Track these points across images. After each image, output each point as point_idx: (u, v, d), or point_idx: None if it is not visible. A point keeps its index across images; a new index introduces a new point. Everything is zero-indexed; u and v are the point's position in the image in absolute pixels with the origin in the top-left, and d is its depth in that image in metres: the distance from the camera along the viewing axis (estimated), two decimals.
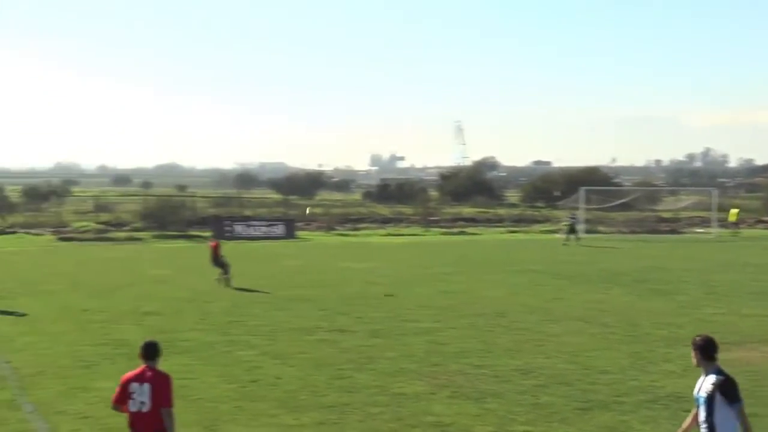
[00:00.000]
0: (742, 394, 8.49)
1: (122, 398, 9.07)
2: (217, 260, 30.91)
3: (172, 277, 32.90)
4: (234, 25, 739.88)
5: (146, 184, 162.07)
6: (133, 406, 8.89)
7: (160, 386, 8.91)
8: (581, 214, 61.15)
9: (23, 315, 23.62)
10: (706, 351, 8.59)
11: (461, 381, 16.09)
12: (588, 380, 16.18)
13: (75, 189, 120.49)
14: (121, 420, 13.17)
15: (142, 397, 8.85)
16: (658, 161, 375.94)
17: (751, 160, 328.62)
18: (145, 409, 8.82)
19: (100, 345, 19.37)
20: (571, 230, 52.71)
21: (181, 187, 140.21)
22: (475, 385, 15.75)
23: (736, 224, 63.54)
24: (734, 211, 64.51)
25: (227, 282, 29.83)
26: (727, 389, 8.39)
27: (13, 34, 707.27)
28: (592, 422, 13.36)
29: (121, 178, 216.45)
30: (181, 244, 50.99)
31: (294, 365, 17.44)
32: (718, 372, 8.53)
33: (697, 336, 8.83)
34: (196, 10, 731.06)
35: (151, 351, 9.18)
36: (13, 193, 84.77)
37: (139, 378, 8.96)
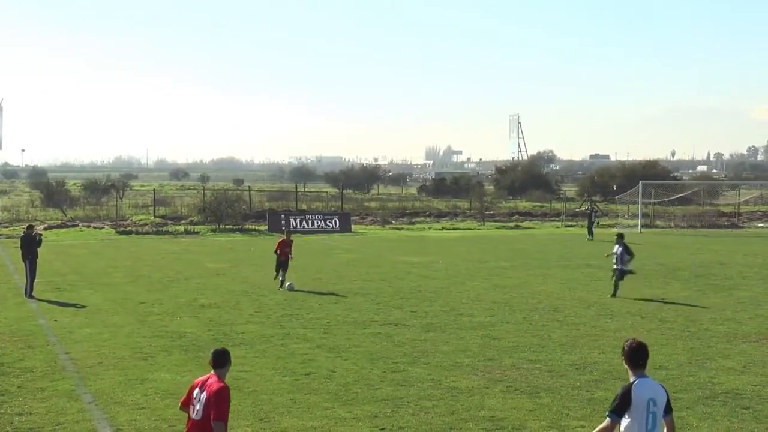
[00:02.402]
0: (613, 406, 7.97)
1: (187, 401, 8.93)
2: (284, 258, 28.38)
3: (229, 270, 33.19)
4: (290, 23, 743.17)
5: (204, 178, 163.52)
6: (191, 412, 8.75)
7: (214, 397, 8.56)
8: (637, 209, 60.50)
9: (83, 307, 24.00)
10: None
11: (515, 375, 16.02)
12: None
13: (134, 183, 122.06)
14: (177, 411, 13.32)
15: (198, 404, 8.65)
16: (719, 155, 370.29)
17: None
18: (197, 416, 8.64)
19: (158, 337, 19.62)
20: (590, 222, 51.76)
21: (238, 181, 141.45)
22: (530, 380, 15.67)
23: None
24: None
25: (282, 280, 28.02)
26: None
27: (71, 32, 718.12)
28: None
29: (179, 173, 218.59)
30: (238, 237, 51.40)
31: (348, 358, 17.50)
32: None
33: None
34: (252, 7, 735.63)
35: (216, 359, 8.89)
36: (74, 187, 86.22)
37: (202, 384, 8.78)
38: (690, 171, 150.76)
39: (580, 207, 71.46)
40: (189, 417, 8.79)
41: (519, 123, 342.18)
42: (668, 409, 8.02)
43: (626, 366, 8.10)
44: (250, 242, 47.94)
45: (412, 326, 21.15)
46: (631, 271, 26.77)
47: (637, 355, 8.04)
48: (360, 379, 15.71)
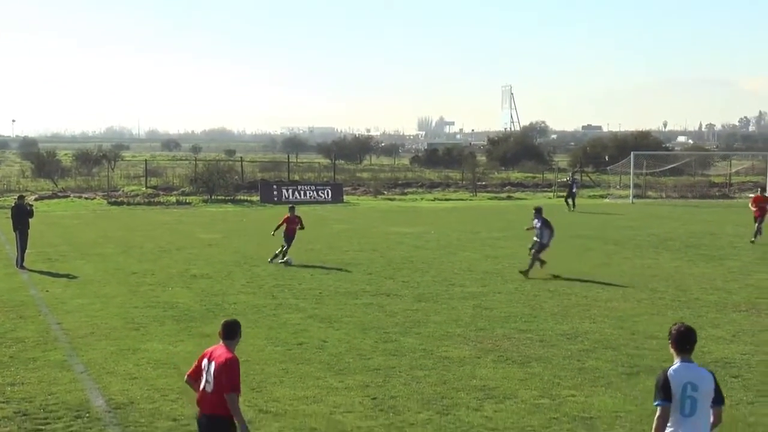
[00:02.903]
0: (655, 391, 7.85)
1: (195, 373, 8.84)
2: (290, 233, 27.36)
3: (221, 240, 33.18)
4: None
5: (195, 149, 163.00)
6: (202, 384, 8.66)
7: (223, 368, 8.47)
8: (629, 179, 60.53)
9: (75, 277, 23.99)
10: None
11: (507, 345, 16.09)
12: (634, 345, 16.10)
13: (125, 154, 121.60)
14: (169, 380, 13.42)
15: (207, 375, 8.57)
16: (710, 125, 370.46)
17: None
18: (209, 388, 8.53)
19: (150, 307, 19.64)
20: (570, 193, 51.09)
21: (230, 152, 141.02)
22: (521, 350, 15.74)
23: None
24: None
25: (273, 259, 27.02)
26: None
27: (63, 3, 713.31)
28: (638, 387, 13.30)
29: (171, 143, 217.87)
30: (230, 208, 51.35)
31: (340, 328, 17.55)
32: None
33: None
34: None
35: (226, 330, 8.76)
36: (65, 158, 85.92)
37: (210, 356, 8.68)
38: (670, 143, 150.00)
39: (559, 178, 71.05)
40: (199, 389, 8.71)
41: (512, 94, 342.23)
42: (718, 399, 7.82)
43: (671, 350, 7.97)
44: (242, 213, 47.93)
45: (404, 296, 21.20)
46: (546, 246, 24.77)
47: (683, 340, 7.92)
48: (352, 349, 15.77)
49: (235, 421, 8.51)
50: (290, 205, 29.63)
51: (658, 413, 7.83)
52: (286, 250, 27.13)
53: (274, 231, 27.72)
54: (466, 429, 11.41)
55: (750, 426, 11.59)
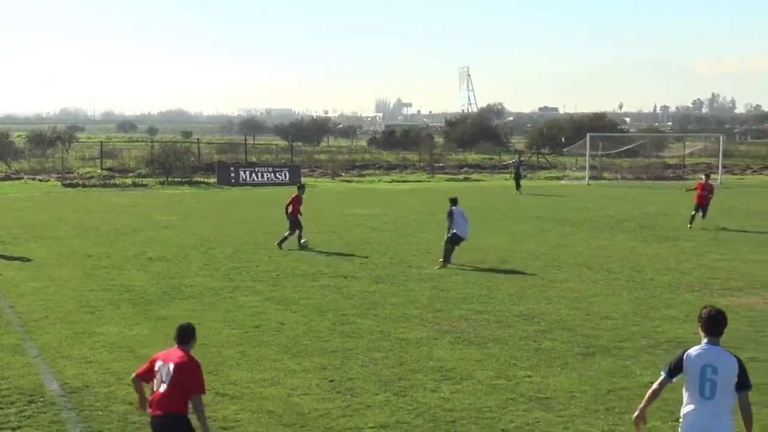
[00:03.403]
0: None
1: (145, 374, 8.98)
2: (295, 216, 26.84)
3: (177, 223, 32.96)
4: None
5: (152, 131, 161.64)
6: (155, 386, 8.79)
7: (187, 370, 8.70)
8: (585, 161, 60.93)
9: (28, 260, 23.70)
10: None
11: (464, 326, 16.17)
12: (590, 326, 16.25)
13: (80, 135, 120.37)
14: (125, 364, 13.32)
15: (164, 377, 8.69)
16: (665, 107, 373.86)
17: (759, 106, 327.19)
18: (162, 389, 8.68)
19: (105, 290, 19.47)
20: (517, 175, 50.47)
21: (187, 134, 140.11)
22: (478, 331, 15.83)
23: None
24: None
25: (284, 240, 26.32)
26: None
27: None
28: (594, 367, 13.44)
29: (127, 125, 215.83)
30: (186, 190, 51.01)
31: (297, 311, 17.53)
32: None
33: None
34: None
35: (182, 334, 8.93)
36: (19, 139, 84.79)
37: (166, 358, 8.81)
38: (637, 123, 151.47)
39: (503, 160, 71.26)
40: (153, 390, 8.81)
41: (469, 75, 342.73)
42: (742, 384, 7.73)
43: (701, 332, 7.96)
44: (199, 195, 47.65)
45: (362, 278, 21.21)
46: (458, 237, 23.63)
47: (713, 324, 7.89)
48: (309, 331, 15.76)
49: (200, 422, 8.78)
50: (300, 184, 28.96)
51: (657, 381, 8.06)
52: (300, 233, 26.60)
53: (286, 211, 27.05)
54: (423, 410, 11.46)
55: None
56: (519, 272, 22.02)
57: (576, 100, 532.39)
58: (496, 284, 20.42)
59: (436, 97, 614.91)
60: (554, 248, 26.38)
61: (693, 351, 7.82)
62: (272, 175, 56.96)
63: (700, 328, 7.96)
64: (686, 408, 7.84)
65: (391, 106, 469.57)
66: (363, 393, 12.17)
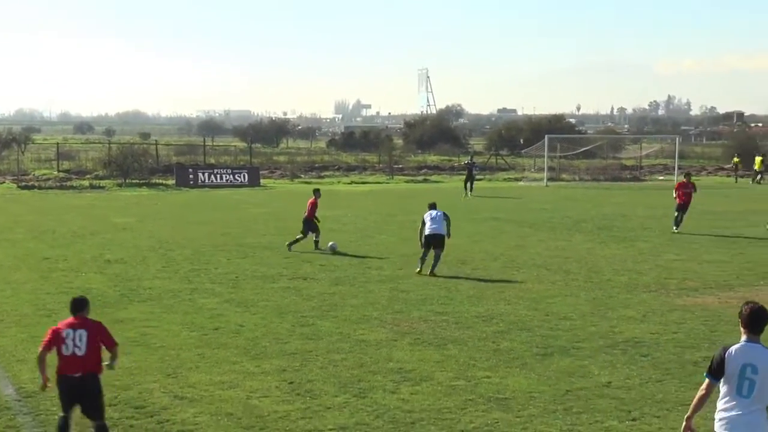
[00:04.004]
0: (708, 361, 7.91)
1: (50, 344, 10.01)
2: (311, 219, 26.68)
3: (135, 225, 32.71)
4: None
5: (109, 132, 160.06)
6: (66, 351, 9.83)
7: (102, 331, 10.18)
8: (542, 162, 61.30)
9: None
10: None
11: (423, 328, 16.22)
12: (548, 326, 16.37)
13: (36, 137, 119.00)
14: None
15: (77, 342, 9.84)
16: (622, 109, 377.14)
17: (714, 108, 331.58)
18: (80, 353, 9.81)
19: (62, 293, 19.23)
20: (469, 177, 49.35)
21: (145, 135, 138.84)
22: (437, 332, 15.88)
23: (760, 172, 61.35)
24: (759, 159, 63.10)
25: (291, 244, 26.19)
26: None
27: None
28: (552, 367, 13.54)
29: (84, 126, 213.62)
30: (144, 192, 50.65)
31: (257, 313, 17.49)
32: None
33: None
34: None
35: (78, 305, 10.31)
36: None
37: (72, 325, 10.01)
38: (580, 128, 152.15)
39: (461, 161, 71.29)
40: (62, 356, 9.88)
41: (428, 77, 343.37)
42: None
43: (741, 328, 7.74)
44: (158, 197, 47.33)
45: (321, 280, 21.20)
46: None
47: (754, 320, 7.66)
48: (268, 333, 15.73)
49: (111, 362, 10.31)
50: (315, 188, 28.43)
51: (703, 385, 7.86)
52: (317, 236, 26.41)
53: (311, 220, 26.72)
54: (383, 411, 11.48)
55: (658, 403, 11.88)
56: (478, 273, 22.11)
57: (534, 102, 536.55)
58: (455, 285, 20.49)
59: (395, 98, 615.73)
60: (513, 249, 26.52)
61: (733, 349, 7.64)
62: (231, 176, 56.70)
63: (741, 324, 7.76)
64: (722, 405, 7.70)
65: (351, 107, 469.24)
66: (322, 395, 12.18)
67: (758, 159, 62.43)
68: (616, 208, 40.47)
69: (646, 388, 12.52)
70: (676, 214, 31.30)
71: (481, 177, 63.37)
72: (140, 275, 21.77)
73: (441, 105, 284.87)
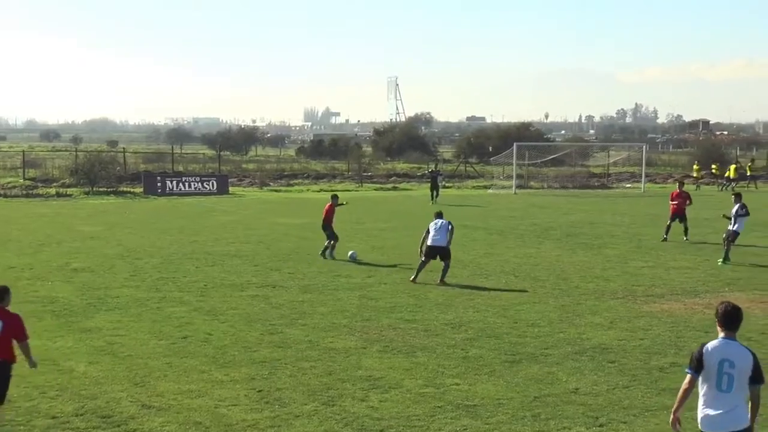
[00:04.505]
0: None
1: None
2: (329, 226, 26.70)
3: (103, 233, 32.50)
4: None
5: (76, 140, 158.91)
6: None
7: (17, 323, 10.73)
8: (510, 170, 61.54)
9: None
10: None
11: (392, 335, 16.22)
12: (517, 333, 16.43)
13: (1, 144, 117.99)
14: (48, 377, 13.11)
15: None
16: (590, 117, 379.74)
17: (680, 116, 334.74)
18: None
19: (28, 302, 19.04)
20: (434, 185, 49.95)
21: (113, 143, 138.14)
22: (406, 340, 15.89)
23: (734, 180, 61.15)
24: (733, 167, 63.56)
25: (330, 252, 26.26)
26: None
27: None
28: (520, 374, 13.59)
29: (50, 134, 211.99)
30: (112, 200, 50.36)
31: (225, 321, 17.43)
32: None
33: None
34: None
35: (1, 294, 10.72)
36: None
37: None
38: (549, 136, 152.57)
39: (421, 170, 71.27)
40: None
41: (397, 85, 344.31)
42: (756, 379, 8.03)
43: (717, 327, 8.19)
44: (125, 205, 47.06)
45: (290, 288, 21.16)
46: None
47: (729, 319, 8.11)
48: (237, 342, 15.67)
49: (29, 360, 11.04)
50: (333, 194, 27.87)
51: (685, 380, 8.24)
52: (334, 243, 26.30)
53: (329, 225, 26.66)
54: (352, 419, 11.47)
55: (625, 409, 11.95)
56: (447, 281, 22.14)
57: (503, 110, 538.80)
58: (424, 293, 20.53)
59: (364, 106, 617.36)
60: (482, 257, 26.61)
61: (710, 345, 8.06)
62: (200, 184, 56.50)
63: (717, 323, 8.20)
64: (704, 402, 8.07)
65: (320, 115, 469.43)
66: (291, 403, 12.15)
67: (732, 167, 63.08)
68: (584, 216, 40.71)
69: (614, 394, 12.60)
70: (668, 222, 31.10)
71: (450, 185, 63.65)
72: (108, 284, 21.62)
73: (410, 113, 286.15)
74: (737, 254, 25.87)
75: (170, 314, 18.07)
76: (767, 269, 24.15)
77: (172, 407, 11.95)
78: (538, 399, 12.34)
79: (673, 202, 31.21)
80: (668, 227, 30.94)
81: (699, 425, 8.14)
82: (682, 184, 33.02)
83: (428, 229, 22.52)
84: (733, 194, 26.08)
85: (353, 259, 25.44)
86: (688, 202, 31.24)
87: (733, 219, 25.79)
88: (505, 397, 12.41)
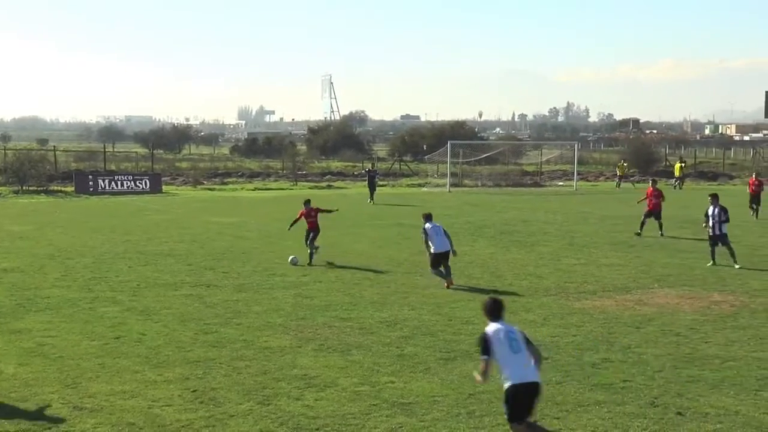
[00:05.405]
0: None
1: None
2: (312, 227, 25.69)
3: (33, 233, 31.97)
4: None
5: (4, 138, 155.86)
6: None
7: None
8: (445, 168, 61.86)
9: None
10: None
11: (327, 334, 16.22)
12: (451, 331, 16.53)
13: None
14: None
15: None
16: (523, 116, 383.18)
17: (611, 115, 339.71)
18: None
19: None
20: (371, 185, 49.43)
21: (43, 141, 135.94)
22: (341, 338, 15.90)
23: (681, 179, 62.25)
24: (678, 165, 64.16)
25: (310, 256, 25.07)
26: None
27: None
28: (455, 371, 13.68)
29: None
30: (42, 199, 49.56)
31: (159, 321, 17.27)
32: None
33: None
34: None
35: None
36: None
37: None
38: (483, 134, 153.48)
39: (365, 167, 70.99)
40: None
41: (331, 83, 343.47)
42: (528, 340, 9.92)
43: (486, 318, 10.09)
44: (56, 204, 46.34)
45: (225, 287, 21.04)
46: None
47: (493, 309, 10.05)
48: (171, 342, 15.54)
49: None
50: (306, 199, 26.65)
51: (481, 365, 9.89)
52: (313, 245, 25.32)
53: (290, 226, 26.21)
54: (287, 418, 11.45)
55: (558, 405, 12.10)
56: (382, 279, 22.20)
57: (437, 109, 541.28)
58: (359, 291, 20.56)
59: (298, 104, 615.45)
60: (416, 255, 26.67)
61: (489, 330, 9.85)
62: (132, 183, 55.91)
63: (486, 315, 10.10)
64: (506, 366, 9.65)
65: (254, 113, 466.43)
66: (226, 403, 12.09)
67: (677, 165, 64.05)
68: (518, 214, 41.08)
69: (546, 390, 12.69)
70: (642, 218, 31.63)
71: (385, 183, 63.72)
72: (38, 284, 21.28)
73: (345, 111, 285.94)
74: (668, 251, 26.33)
75: (102, 314, 17.85)
76: (696, 266, 24.61)
77: (105, 408, 11.82)
78: (473, 396, 12.44)
79: (649, 199, 31.82)
80: (642, 223, 31.53)
81: (509, 389, 9.68)
82: (655, 182, 33.95)
83: (428, 233, 22.33)
84: (709, 195, 25.54)
85: (294, 264, 25.05)
86: (662, 199, 31.91)
87: (711, 221, 24.92)
88: (440, 395, 12.49)
